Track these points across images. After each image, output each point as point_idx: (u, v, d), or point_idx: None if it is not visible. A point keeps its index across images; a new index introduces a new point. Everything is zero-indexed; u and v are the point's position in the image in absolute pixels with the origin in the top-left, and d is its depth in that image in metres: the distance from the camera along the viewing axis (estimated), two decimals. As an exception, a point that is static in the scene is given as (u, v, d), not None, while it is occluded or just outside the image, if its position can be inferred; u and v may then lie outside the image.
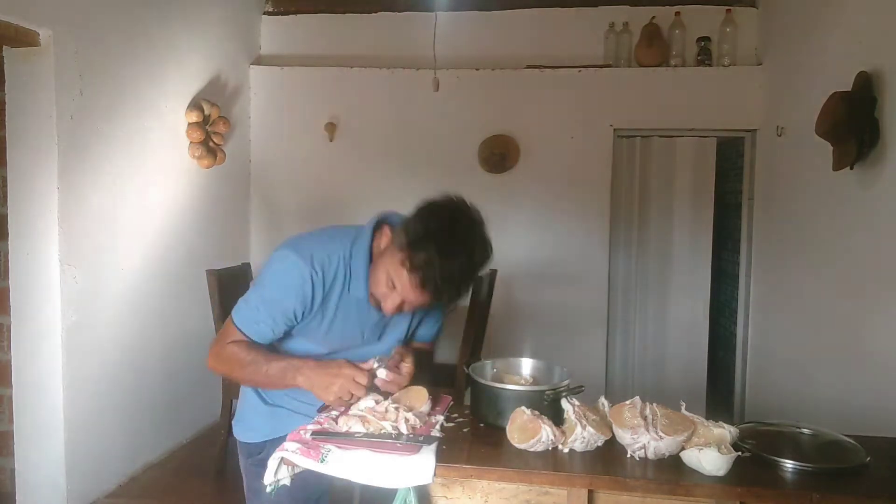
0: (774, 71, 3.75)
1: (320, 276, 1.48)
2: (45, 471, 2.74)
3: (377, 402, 1.47)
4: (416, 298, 1.43)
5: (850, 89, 2.56)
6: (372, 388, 1.49)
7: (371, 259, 1.51)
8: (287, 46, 4.38)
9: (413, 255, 1.38)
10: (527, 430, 1.38)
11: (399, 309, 1.46)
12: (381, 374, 1.49)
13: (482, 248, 1.44)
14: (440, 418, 1.52)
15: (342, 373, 1.44)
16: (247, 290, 1.56)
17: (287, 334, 1.56)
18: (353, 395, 1.44)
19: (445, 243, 1.38)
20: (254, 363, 1.49)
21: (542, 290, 4.17)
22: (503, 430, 1.43)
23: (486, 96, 4.12)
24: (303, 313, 1.50)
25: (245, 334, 1.51)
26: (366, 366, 1.48)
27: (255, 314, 1.51)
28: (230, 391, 3.15)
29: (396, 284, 1.42)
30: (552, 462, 1.34)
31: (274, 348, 1.58)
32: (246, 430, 1.69)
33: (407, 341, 1.69)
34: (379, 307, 1.49)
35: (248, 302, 1.53)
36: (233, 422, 1.74)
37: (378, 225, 1.54)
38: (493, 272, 3.83)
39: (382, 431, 1.38)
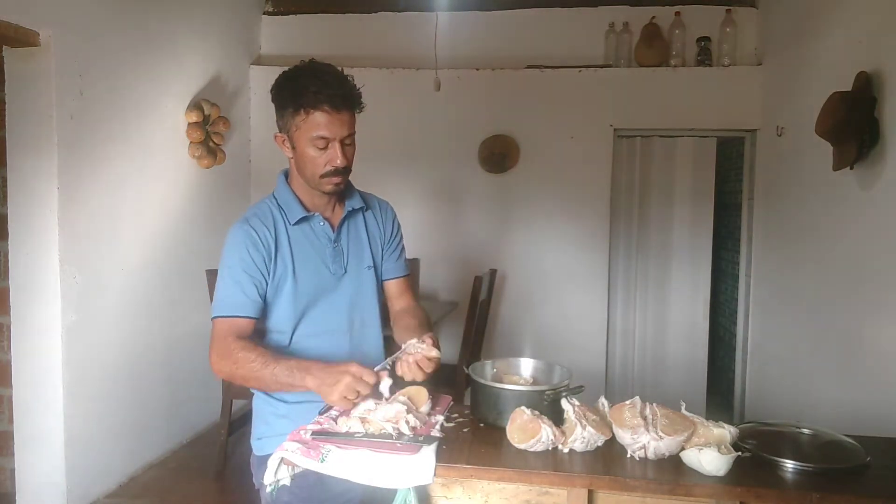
0: (774, 71, 3.75)
1: (260, 223, 1.58)
2: (45, 471, 2.74)
3: (377, 404, 1.46)
4: (337, 126, 1.52)
5: (850, 89, 2.56)
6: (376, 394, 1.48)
7: (291, 189, 1.65)
8: (287, 46, 4.39)
9: (293, 111, 1.52)
10: (527, 430, 1.38)
11: (344, 154, 1.55)
12: (385, 385, 1.46)
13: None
14: (440, 418, 1.52)
15: (349, 370, 1.40)
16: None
17: (269, 304, 1.59)
18: (358, 394, 1.40)
19: (294, 76, 1.55)
20: (260, 361, 1.46)
21: (542, 290, 4.17)
22: (503, 430, 1.43)
23: (486, 96, 4.12)
24: (264, 262, 1.56)
25: (227, 316, 1.53)
26: (375, 369, 1.46)
27: (224, 294, 1.55)
28: (230, 391, 3.15)
29: (317, 141, 1.52)
30: (552, 462, 1.34)
31: (279, 350, 1.58)
32: (273, 437, 1.59)
33: (380, 284, 1.77)
34: (333, 177, 1.56)
35: (216, 291, 1.58)
36: (252, 441, 1.68)
37: (283, 174, 1.70)
38: (493, 272, 3.84)
39: (382, 431, 1.38)
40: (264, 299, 1.58)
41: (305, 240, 1.63)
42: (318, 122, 1.52)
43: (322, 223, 1.66)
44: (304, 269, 1.61)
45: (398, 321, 1.76)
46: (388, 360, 1.51)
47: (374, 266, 1.74)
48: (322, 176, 1.57)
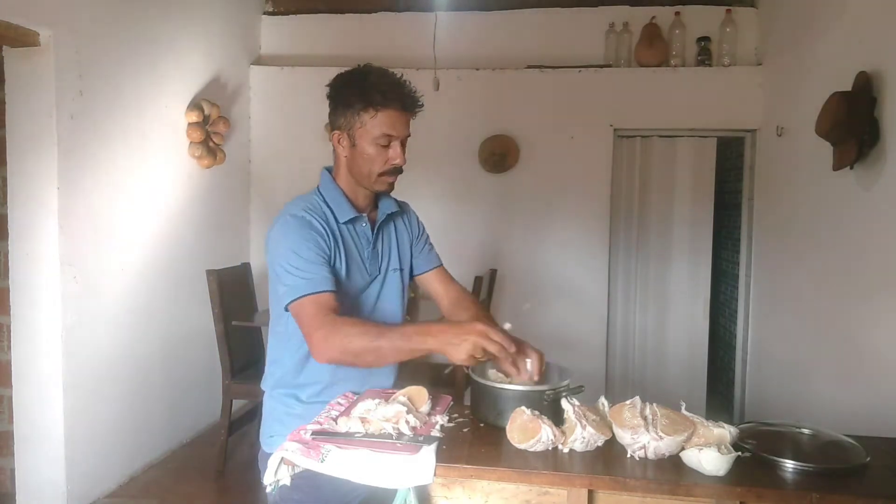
0: (774, 71, 3.76)
1: (316, 216, 1.57)
2: (45, 471, 2.74)
3: (377, 404, 1.46)
4: (402, 126, 1.58)
5: (850, 89, 2.56)
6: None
7: (339, 187, 1.64)
8: (287, 46, 4.38)
9: (362, 108, 1.54)
10: (527, 430, 1.38)
11: (404, 152, 1.60)
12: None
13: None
14: (440, 418, 1.52)
15: (475, 329, 1.39)
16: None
17: None
18: (485, 351, 1.38)
19: (362, 75, 1.57)
20: (373, 333, 1.42)
21: (542, 290, 4.17)
22: (503, 430, 1.43)
23: (486, 96, 4.12)
24: (327, 249, 1.54)
25: (315, 293, 1.46)
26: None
27: (303, 273, 1.47)
28: (230, 391, 3.14)
29: (381, 139, 1.55)
30: (552, 462, 1.34)
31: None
32: (286, 436, 1.57)
33: (412, 279, 1.78)
34: (390, 176, 1.60)
35: (285, 278, 1.49)
36: (262, 438, 1.66)
37: (327, 172, 1.68)
38: (493, 272, 3.84)
39: (382, 431, 1.38)
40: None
41: (351, 240, 1.63)
42: (387, 121, 1.55)
43: (365, 224, 1.66)
44: (349, 263, 1.61)
45: (458, 311, 1.75)
46: (507, 325, 1.52)
47: (401, 268, 1.74)
48: (381, 174, 1.59)
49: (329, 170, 1.69)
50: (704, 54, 3.99)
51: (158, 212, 3.37)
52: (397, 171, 1.60)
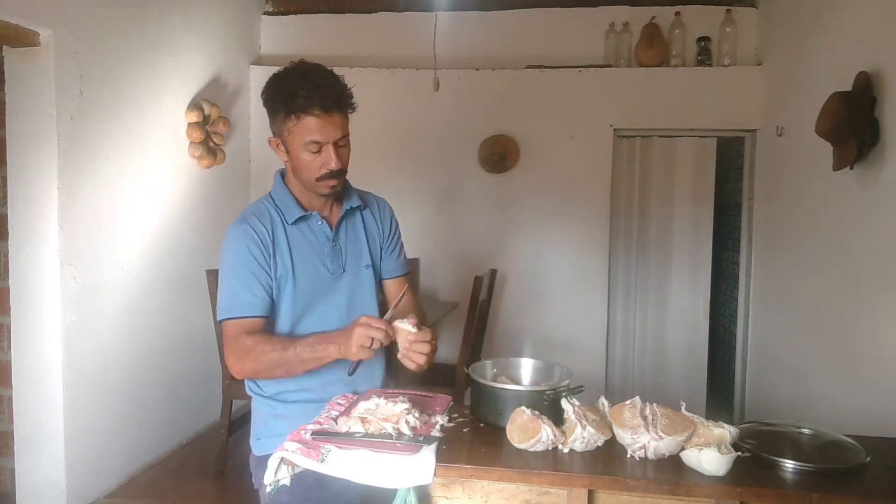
0: (774, 71, 3.76)
1: (258, 222, 1.59)
2: (45, 471, 2.74)
3: (378, 404, 1.46)
4: (330, 129, 1.51)
5: (850, 89, 2.56)
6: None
7: (288, 188, 1.65)
8: (287, 46, 4.39)
9: (285, 116, 1.51)
10: (527, 430, 1.38)
11: (339, 157, 1.54)
12: (405, 325, 1.47)
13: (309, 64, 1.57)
14: (440, 418, 1.52)
15: (358, 323, 1.42)
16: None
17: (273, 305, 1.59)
18: (373, 340, 1.41)
19: (284, 80, 1.53)
20: (280, 348, 1.47)
21: (542, 290, 4.17)
22: (503, 430, 1.43)
23: (486, 96, 4.12)
24: (265, 260, 1.56)
25: (238, 318, 1.53)
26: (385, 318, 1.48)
27: (231, 295, 1.54)
28: (230, 391, 3.15)
29: (310, 145, 1.52)
30: (552, 462, 1.34)
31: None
32: (271, 437, 1.62)
33: (380, 282, 1.77)
34: (329, 180, 1.56)
35: (221, 294, 1.57)
36: (251, 441, 1.69)
37: (279, 174, 1.71)
38: (493, 272, 3.84)
39: (382, 431, 1.38)
40: (271, 297, 1.58)
41: (304, 239, 1.63)
42: (310, 127, 1.50)
43: (320, 222, 1.66)
44: (303, 268, 1.61)
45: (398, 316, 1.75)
46: (389, 312, 1.52)
47: (373, 265, 1.74)
48: (318, 179, 1.56)
49: (282, 172, 1.70)
50: (704, 54, 3.99)
51: (158, 212, 3.37)
52: (335, 174, 1.56)
